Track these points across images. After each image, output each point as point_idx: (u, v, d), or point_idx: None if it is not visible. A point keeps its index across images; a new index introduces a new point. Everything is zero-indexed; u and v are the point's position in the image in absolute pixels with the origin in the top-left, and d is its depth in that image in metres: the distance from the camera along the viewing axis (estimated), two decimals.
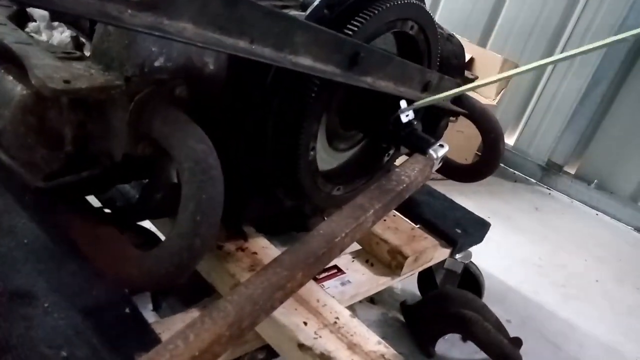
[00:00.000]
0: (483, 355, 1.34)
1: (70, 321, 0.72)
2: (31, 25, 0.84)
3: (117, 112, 0.70)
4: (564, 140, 2.80)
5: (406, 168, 0.89)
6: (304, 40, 0.71)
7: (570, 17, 2.70)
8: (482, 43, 2.91)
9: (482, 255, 1.52)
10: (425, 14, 1.00)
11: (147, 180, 0.86)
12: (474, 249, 1.43)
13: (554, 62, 1.22)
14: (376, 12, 0.86)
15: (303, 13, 0.93)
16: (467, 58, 2.41)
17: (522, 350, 1.33)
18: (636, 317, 1.87)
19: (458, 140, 2.23)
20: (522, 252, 2.09)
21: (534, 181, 2.91)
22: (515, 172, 2.94)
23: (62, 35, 0.80)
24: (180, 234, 0.64)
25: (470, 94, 1.32)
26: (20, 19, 0.83)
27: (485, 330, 1.30)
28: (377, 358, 0.83)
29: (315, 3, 0.82)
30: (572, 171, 2.84)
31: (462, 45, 1.31)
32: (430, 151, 0.95)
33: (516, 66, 2.54)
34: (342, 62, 0.80)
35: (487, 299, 1.46)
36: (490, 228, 1.44)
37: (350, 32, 0.83)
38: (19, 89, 0.68)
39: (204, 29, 0.59)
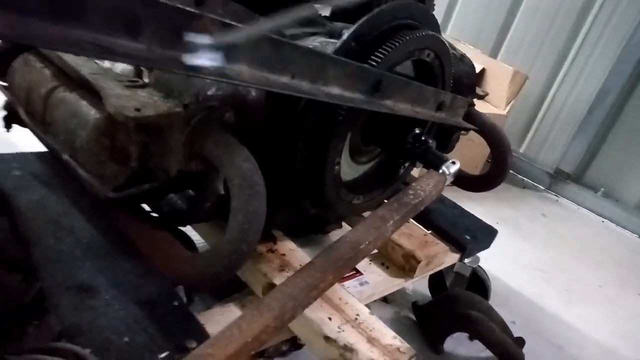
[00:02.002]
0: (488, 353, 1.42)
1: (129, 312, 0.84)
2: None
3: (175, 134, 0.81)
4: (572, 149, 2.87)
5: (422, 183, 1.00)
6: (335, 74, 0.82)
7: (580, 30, 2.77)
8: (494, 54, 2.99)
9: (489, 260, 1.60)
10: (440, 42, 1.10)
11: (191, 190, 0.97)
12: (481, 254, 1.51)
13: None
14: (397, 44, 0.96)
15: (331, 40, 1.05)
16: (479, 69, 2.49)
17: (525, 350, 1.41)
18: (636, 322, 1.93)
19: (469, 149, 2.32)
20: (528, 257, 2.16)
21: (542, 188, 2.98)
22: (524, 178, 3.01)
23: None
24: (230, 240, 0.76)
25: (482, 104, 1.39)
26: None
27: (491, 330, 1.38)
28: (393, 350, 0.93)
29: (344, 37, 0.93)
30: (580, 179, 2.91)
31: (473, 65, 1.41)
32: (444, 168, 1.05)
33: (526, 78, 2.62)
34: (366, 90, 0.90)
35: (493, 301, 1.55)
36: (498, 233, 1.51)
37: (374, 63, 0.94)
38: (93, 113, 0.80)
39: (256, 69, 0.70)
